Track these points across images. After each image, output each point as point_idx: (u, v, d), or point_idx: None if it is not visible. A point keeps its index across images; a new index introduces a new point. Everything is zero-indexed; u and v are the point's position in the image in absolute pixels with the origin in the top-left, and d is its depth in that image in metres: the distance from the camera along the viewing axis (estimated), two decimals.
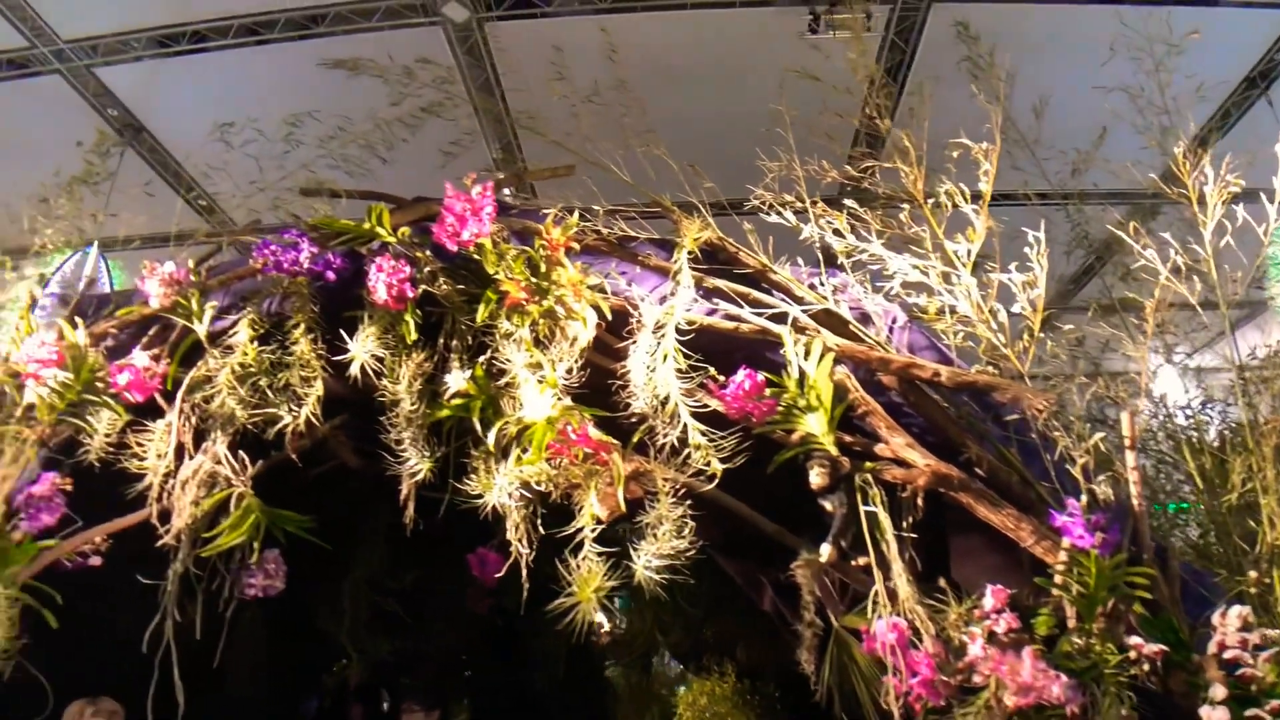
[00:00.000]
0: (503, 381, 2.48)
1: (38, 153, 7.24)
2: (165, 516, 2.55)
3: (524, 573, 2.47)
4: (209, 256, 2.78)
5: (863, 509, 2.50)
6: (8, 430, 2.64)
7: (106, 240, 4.59)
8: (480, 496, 2.50)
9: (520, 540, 2.45)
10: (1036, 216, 2.86)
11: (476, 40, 6.01)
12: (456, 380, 2.48)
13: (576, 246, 2.56)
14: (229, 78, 6.51)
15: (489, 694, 4.29)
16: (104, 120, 6.86)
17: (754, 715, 5.78)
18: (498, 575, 2.92)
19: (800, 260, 2.75)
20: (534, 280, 2.42)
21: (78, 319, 2.67)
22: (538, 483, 2.36)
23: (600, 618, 2.48)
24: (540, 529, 2.48)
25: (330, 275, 2.57)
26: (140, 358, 2.59)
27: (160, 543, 2.50)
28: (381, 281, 2.43)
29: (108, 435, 2.61)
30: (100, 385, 2.61)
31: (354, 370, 2.46)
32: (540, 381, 2.40)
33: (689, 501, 2.39)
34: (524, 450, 2.37)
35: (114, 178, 4.28)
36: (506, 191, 2.97)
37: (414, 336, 2.47)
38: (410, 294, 2.47)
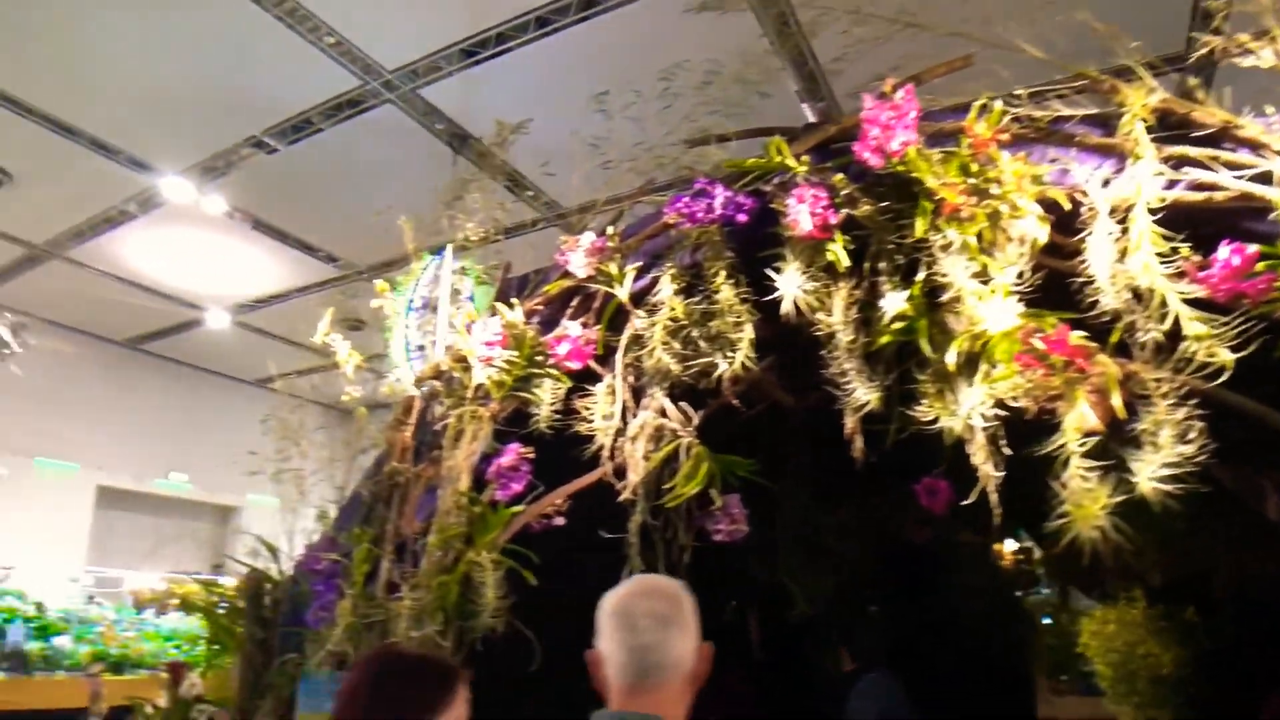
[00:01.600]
0: (945, 297, 2.32)
1: (385, 176, 8.04)
2: (619, 473, 2.65)
3: (994, 498, 2.31)
4: (614, 222, 2.85)
5: None
6: (466, 410, 2.87)
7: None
8: (933, 422, 2.36)
9: (989, 464, 2.28)
10: None
11: None
12: (893, 303, 2.35)
13: (1006, 138, 2.33)
14: (534, 71, 6.82)
15: (905, 627, 4.17)
16: (433, 135, 7.42)
17: (1171, 643, 5.27)
18: (948, 504, 2.79)
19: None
20: (972, 181, 2.23)
21: (513, 300, 2.84)
22: (1012, 399, 2.17)
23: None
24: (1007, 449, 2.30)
25: (741, 217, 2.53)
26: (573, 328, 2.71)
27: (620, 498, 2.59)
28: (804, 212, 2.34)
29: (552, 404, 2.76)
30: (540, 359, 2.76)
31: (786, 308, 2.40)
32: (994, 290, 2.21)
33: (1190, 402, 2.11)
34: (991, 365, 2.19)
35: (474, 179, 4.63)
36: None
37: (846, 264, 2.36)
38: (833, 220, 2.37)
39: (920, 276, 2.34)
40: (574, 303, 2.85)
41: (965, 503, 2.37)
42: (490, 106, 7.07)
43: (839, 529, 3.30)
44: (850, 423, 2.47)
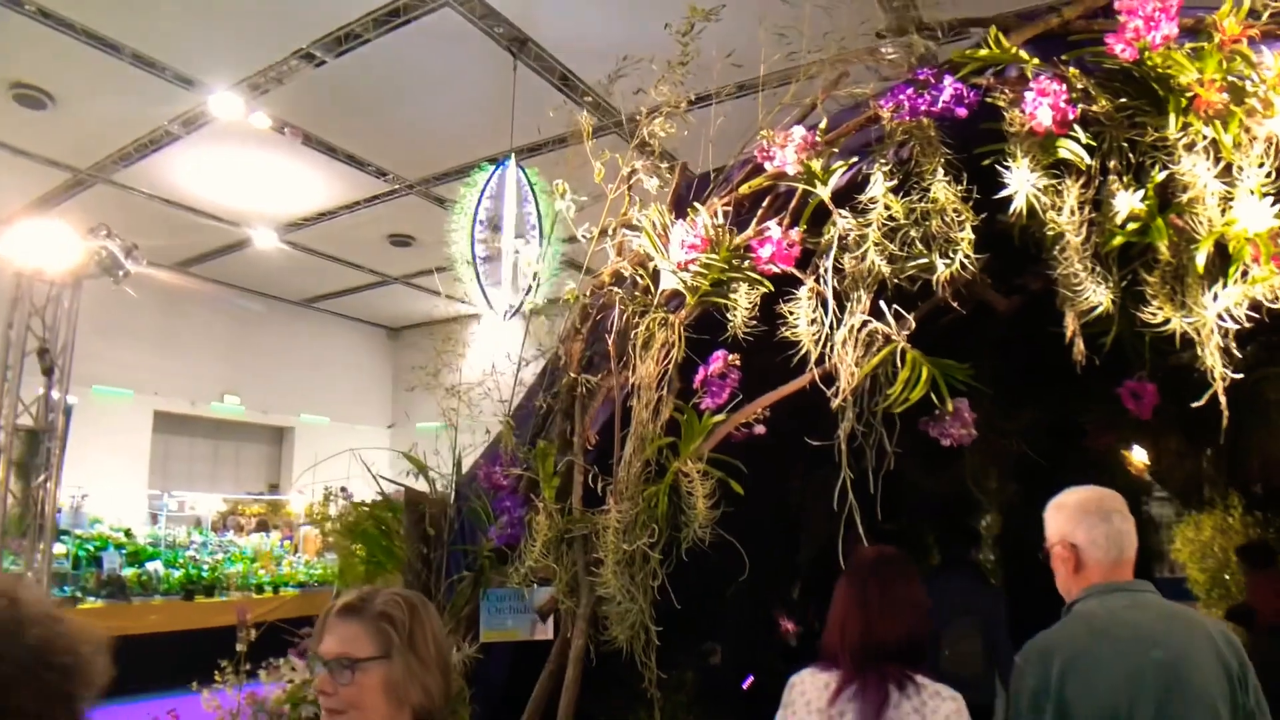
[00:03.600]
0: (1185, 197, 2.27)
1: (440, 86, 7.79)
2: (826, 380, 2.61)
3: (1223, 400, 2.30)
4: (804, 116, 2.75)
5: None
6: (654, 318, 2.82)
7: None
8: (1164, 324, 2.34)
9: (1222, 366, 2.26)
10: None
11: None
12: (1126, 203, 2.30)
13: (1255, 33, 2.25)
14: None
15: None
16: (492, 39, 7.15)
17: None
18: (1153, 408, 2.78)
19: None
20: (1232, 79, 2.16)
21: (713, 200, 2.76)
22: (1270, 299, 2.15)
23: None
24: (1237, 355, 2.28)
25: (961, 111, 2.45)
26: (774, 229, 2.64)
27: (834, 405, 2.56)
28: (1045, 105, 2.26)
29: (748, 309, 2.71)
30: (735, 262, 2.70)
31: (1017, 205, 2.35)
32: (1250, 190, 2.16)
33: None
34: (1242, 269, 2.17)
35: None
36: None
37: (1087, 161, 2.30)
38: (1073, 115, 2.30)
39: (1159, 176, 2.29)
40: (764, 203, 2.78)
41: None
42: (552, 6, 6.83)
43: (1021, 435, 3.27)
44: (1071, 324, 2.44)
